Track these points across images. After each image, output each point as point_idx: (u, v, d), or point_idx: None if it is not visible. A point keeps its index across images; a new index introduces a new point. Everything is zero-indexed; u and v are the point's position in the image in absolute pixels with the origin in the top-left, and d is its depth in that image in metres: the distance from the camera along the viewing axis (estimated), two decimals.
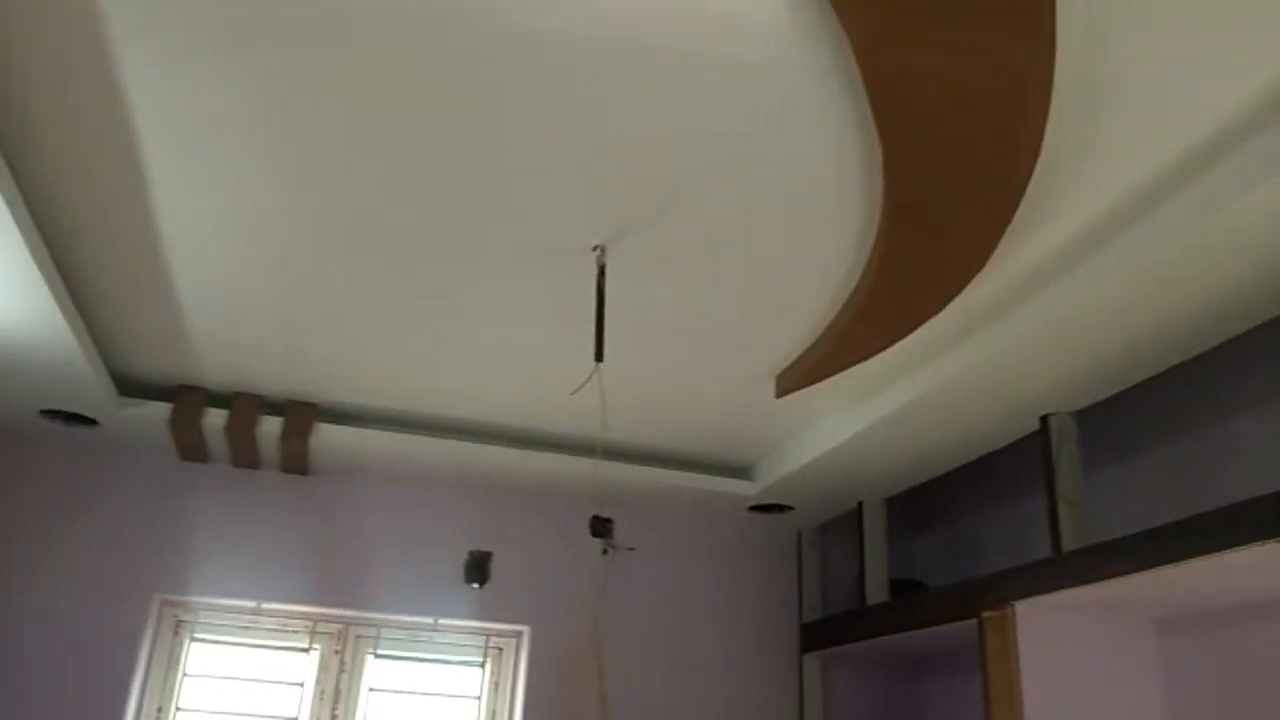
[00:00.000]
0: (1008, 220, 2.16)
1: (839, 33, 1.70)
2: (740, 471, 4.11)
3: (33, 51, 1.87)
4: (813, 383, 3.08)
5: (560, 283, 2.66)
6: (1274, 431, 2.72)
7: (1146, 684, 3.06)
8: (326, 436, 3.63)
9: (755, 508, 4.20)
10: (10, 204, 2.16)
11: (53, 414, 3.49)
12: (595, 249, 2.50)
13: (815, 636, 4.23)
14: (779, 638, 4.35)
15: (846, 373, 3.03)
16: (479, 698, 4.02)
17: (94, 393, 3.25)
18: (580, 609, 4.08)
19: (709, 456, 4.01)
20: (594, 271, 2.57)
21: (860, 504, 4.00)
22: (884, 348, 2.82)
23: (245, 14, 1.77)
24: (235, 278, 2.73)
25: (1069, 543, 2.85)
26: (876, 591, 3.83)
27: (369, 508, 4.02)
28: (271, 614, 3.90)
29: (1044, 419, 3.03)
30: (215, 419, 3.53)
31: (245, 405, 3.56)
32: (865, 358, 2.89)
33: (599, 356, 2.53)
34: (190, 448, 3.73)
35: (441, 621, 3.99)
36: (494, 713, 4.01)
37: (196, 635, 3.84)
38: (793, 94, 1.89)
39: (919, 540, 4.48)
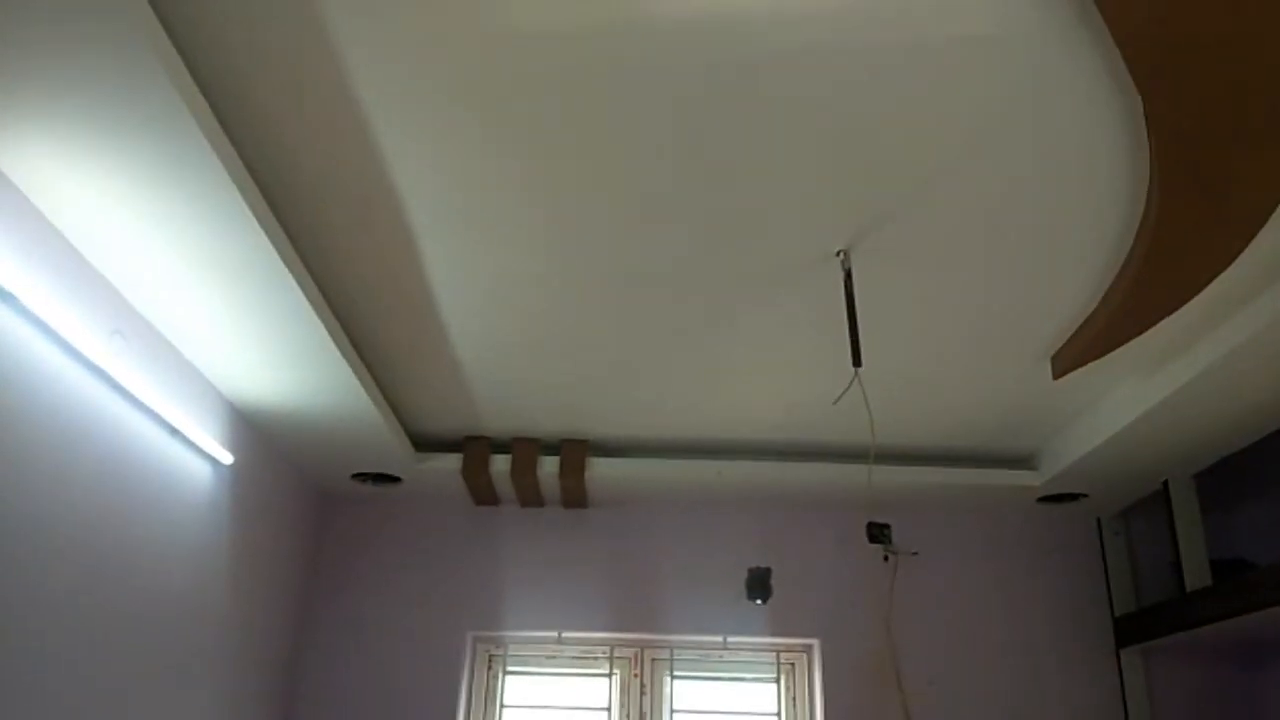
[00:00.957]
0: None
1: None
2: (1023, 461, 3.89)
3: (299, 134, 2.10)
4: (1093, 359, 2.86)
5: (809, 293, 2.64)
6: None
7: None
8: (600, 470, 3.78)
9: (1044, 498, 3.94)
10: (309, 295, 2.43)
11: (362, 476, 3.87)
12: (839, 254, 2.47)
13: (1131, 630, 3.90)
14: (1089, 634, 4.04)
15: (1131, 344, 2.79)
16: (778, 714, 4.02)
17: (396, 453, 3.58)
18: (869, 618, 3.99)
19: (987, 449, 3.82)
20: (841, 277, 2.53)
21: (1165, 483, 3.66)
22: (1170, 312, 2.58)
23: (497, 80, 1.90)
24: (504, 332, 2.92)
25: None
26: (1196, 576, 3.49)
27: (649, 534, 4.15)
28: (572, 642, 4.10)
29: None
30: (500, 464, 3.78)
31: (525, 449, 3.79)
32: (1150, 325, 2.66)
33: (857, 362, 2.49)
34: (482, 493, 4.01)
35: (731, 639, 4.04)
36: None
37: (509, 668, 4.10)
38: (1039, 61, 1.79)
39: (1239, 514, 4.03)
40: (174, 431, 2.73)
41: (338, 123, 2.00)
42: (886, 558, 4.07)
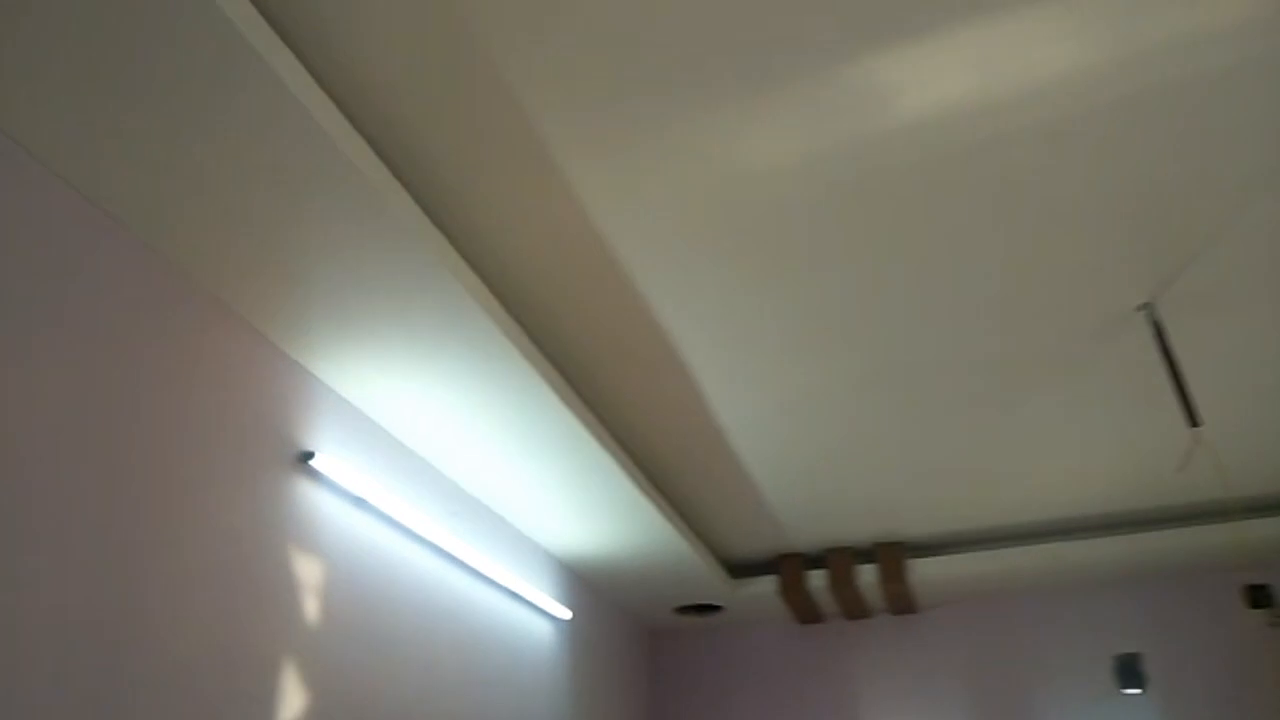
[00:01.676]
0: None
1: None
2: None
3: (585, 317, 2.25)
4: None
5: (1114, 354, 2.45)
6: None
7: None
8: (923, 571, 3.63)
9: None
10: (614, 456, 2.56)
11: (685, 609, 3.94)
12: (1141, 308, 2.28)
13: None
14: None
15: None
16: None
17: (714, 583, 3.62)
18: (1269, 697, 3.48)
19: None
20: (1149, 332, 2.34)
21: None
22: None
23: (747, 216, 1.97)
24: (795, 446, 2.92)
25: None
26: None
27: (990, 630, 3.89)
28: None
29: None
30: (818, 579, 3.72)
31: (839, 560, 3.71)
32: None
33: (1194, 421, 2.26)
34: (804, 611, 3.95)
35: None
36: None
37: None
38: None
39: None
40: (517, 597, 2.93)
41: (617, 299, 2.14)
42: (1273, 624, 3.56)
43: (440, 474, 2.61)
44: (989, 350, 2.43)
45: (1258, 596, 3.61)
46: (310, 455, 2.09)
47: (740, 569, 3.88)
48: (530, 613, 3.04)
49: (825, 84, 1.65)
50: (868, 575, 3.67)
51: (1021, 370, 2.53)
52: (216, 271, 1.79)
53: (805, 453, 2.96)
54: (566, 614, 3.22)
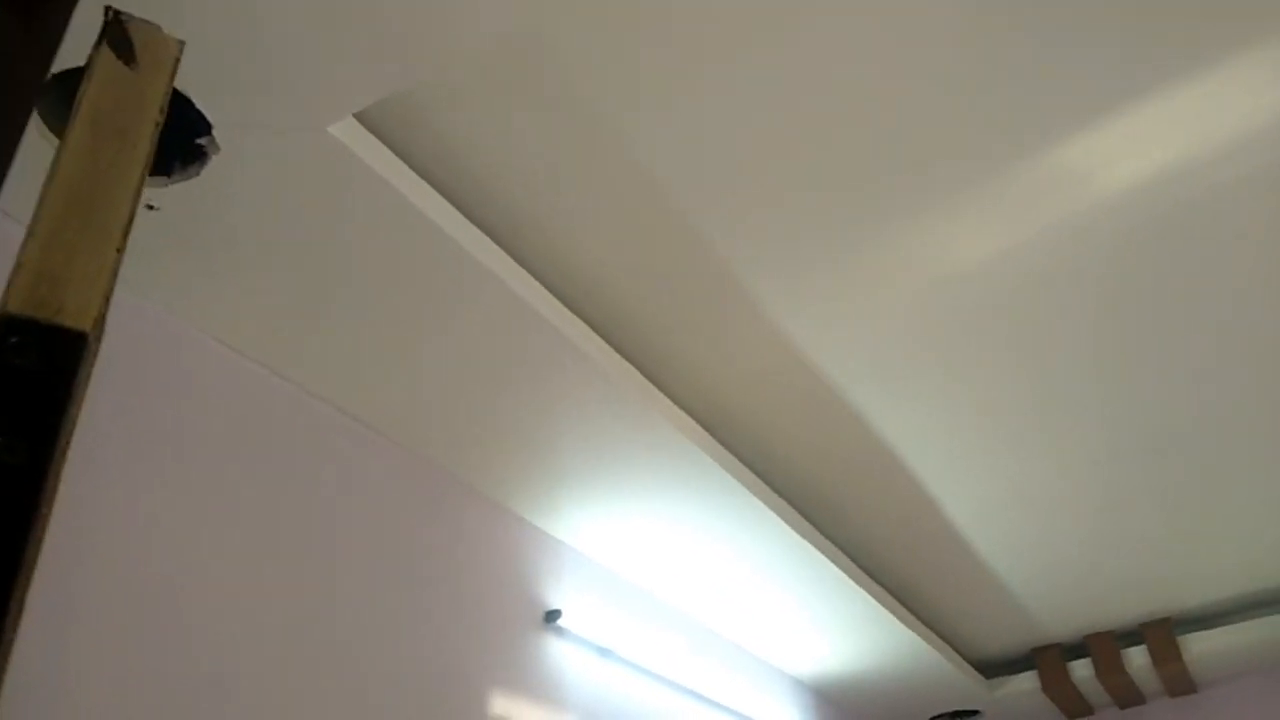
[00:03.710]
0: None
1: None
2: None
3: (799, 430, 2.29)
4: None
5: None
6: None
7: None
8: (1199, 647, 3.34)
9: None
10: (848, 572, 2.55)
11: (940, 717, 3.76)
12: None
13: None
14: None
15: None
16: None
17: (968, 686, 3.46)
18: None
19: None
20: None
21: None
22: None
23: (948, 318, 1.98)
24: (1035, 533, 2.80)
25: None
26: None
27: None
28: None
29: None
30: (1081, 669, 3.49)
31: (1103, 645, 3.47)
32: None
33: None
34: (1072, 705, 3.69)
35: None
36: None
37: None
38: None
39: None
40: None
41: (832, 416, 2.18)
42: None
43: (680, 613, 2.65)
44: (1242, 402, 2.29)
45: None
46: (557, 614, 2.19)
47: (994, 668, 3.69)
48: None
49: (1023, 172, 1.66)
50: (1137, 658, 3.42)
51: (1251, 426, 2.37)
52: (467, 461, 1.95)
53: (1048, 538, 2.83)
54: None
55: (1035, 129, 1.57)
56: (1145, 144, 1.61)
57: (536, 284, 1.62)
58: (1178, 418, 2.33)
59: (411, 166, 1.49)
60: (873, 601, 2.67)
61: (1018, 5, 1.38)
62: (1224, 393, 2.25)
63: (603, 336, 1.90)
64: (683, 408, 2.11)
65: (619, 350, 1.94)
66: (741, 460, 2.30)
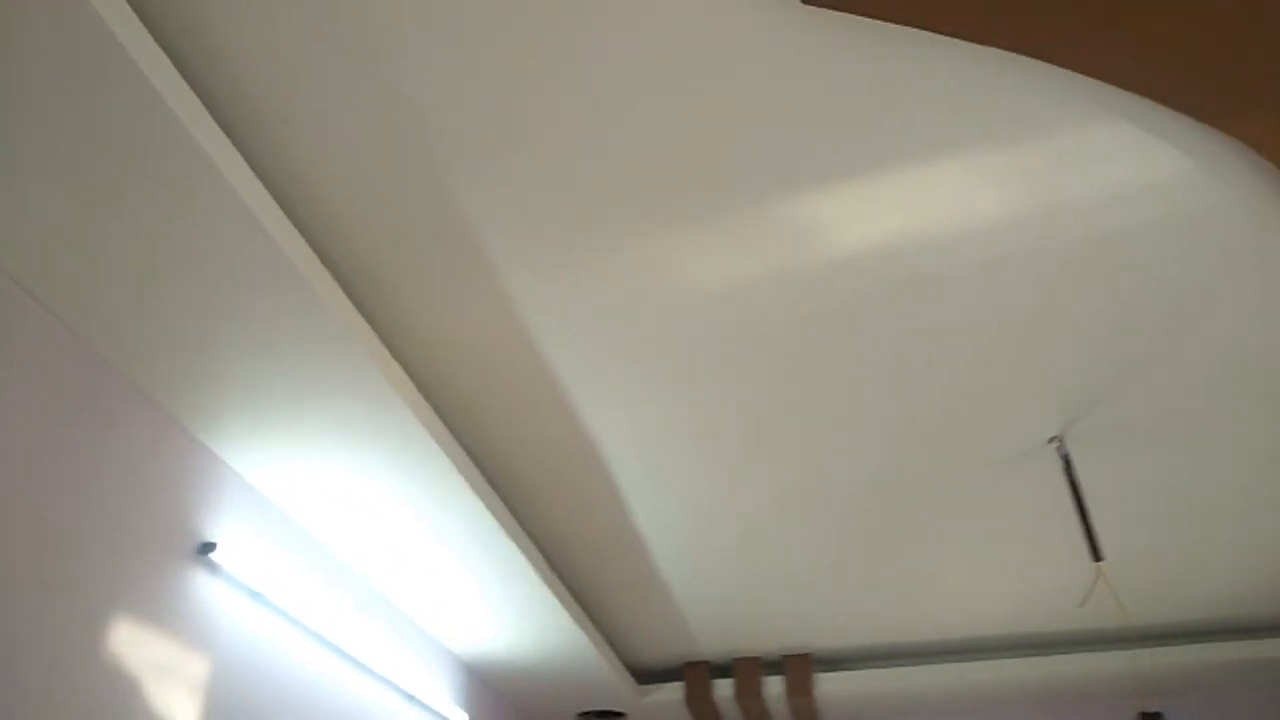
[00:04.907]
0: None
1: (1261, 159, 1.54)
2: None
3: (509, 409, 2.23)
4: None
5: (1026, 483, 2.52)
6: None
7: None
8: (830, 686, 3.61)
9: None
10: (525, 552, 2.50)
11: (589, 715, 3.83)
12: (1052, 441, 2.36)
13: None
14: None
15: None
16: None
17: (619, 688, 3.54)
18: None
19: (1266, 618, 3.41)
20: (1059, 465, 2.41)
21: None
22: None
23: (678, 337, 1.99)
24: (713, 556, 2.90)
25: None
26: None
27: None
28: None
29: None
30: (724, 689, 3.67)
31: (747, 669, 3.67)
32: None
33: (1097, 556, 2.32)
34: (708, 719, 3.88)
35: None
36: None
37: None
38: (1235, 238, 1.72)
39: None
40: (415, 700, 2.81)
41: (547, 403, 2.13)
42: None
43: (348, 569, 2.51)
44: (906, 474, 2.48)
45: None
46: (211, 547, 2.00)
47: (648, 675, 3.80)
48: (428, 715, 2.91)
49: (764, 217, 1.69)
50: (774, 686, 3.64)
51: (936, 494, 2.58)
52: (131, 353, 1.71)
53: (721, 562, 2.95)
54: (464, 717, 3.10)
55: (789, 177, 1.60)
56: (875, 217, 1.69)
57: (258, 182, 1.44)
58: (850, 476, 2.48)
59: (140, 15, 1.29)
60: (547, 592, 2.65)
61: (799, 51, 1.40)
62: (892, 464, 2.42)
63: (324, 261, 1.75)
64: (397, 358, 1.99)
65: (339, 279, 1.79)
66: (447, 425, 2.20)
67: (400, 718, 2.75)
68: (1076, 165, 1.60)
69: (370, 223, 1.68)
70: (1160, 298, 1.89)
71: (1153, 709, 3.66)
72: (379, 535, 2.34)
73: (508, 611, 2.80)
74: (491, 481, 2.44)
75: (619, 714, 3.84)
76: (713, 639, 3.55)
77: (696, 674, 3.71)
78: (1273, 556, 2.97)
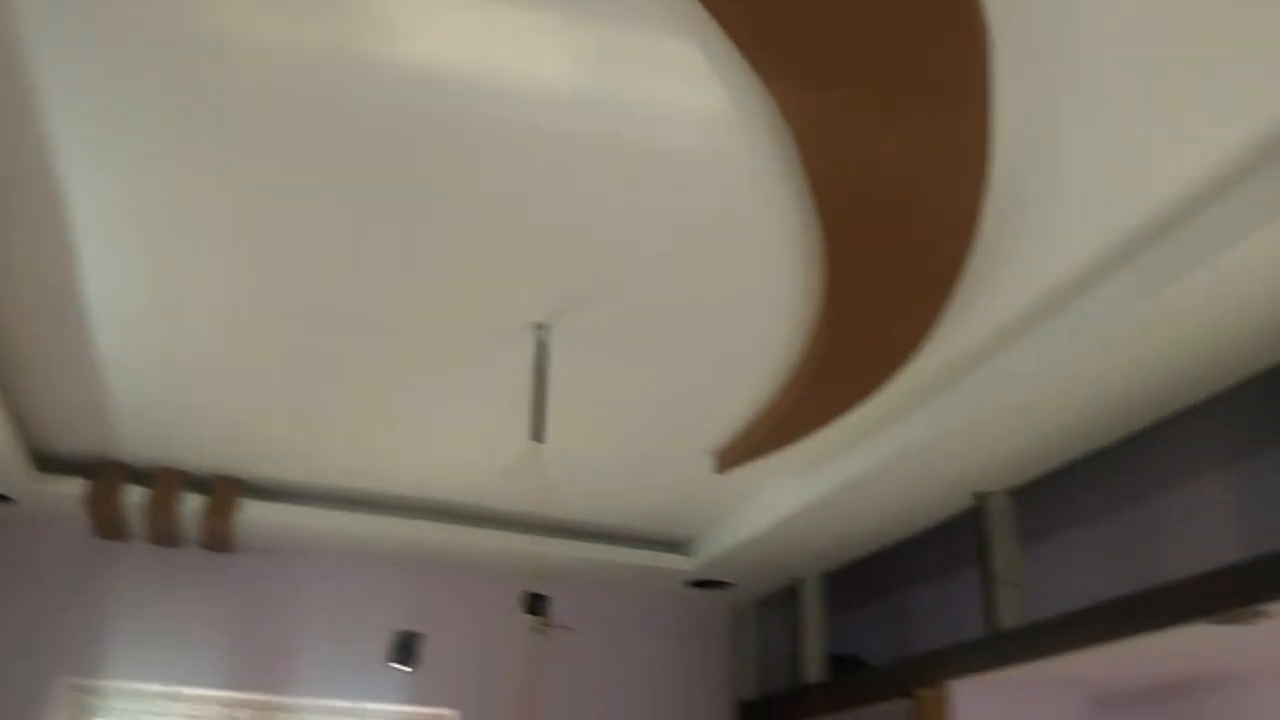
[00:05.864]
0: (945, 303, 2.21)
1: (783, 127, 1.73)
2: (679, 547, 4.08)
3: None
4: (753, 459, 3.08)
5: (500, 360, 2.63)
6: (1209, 509, 2.78)
7: None
8: (253, 514, 3.51)
9: (694, 583, 4.15)
10: None
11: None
12: (536, 327, 2.49)
13: (752, 716, 4.17)
14: (715, 717, 4.27)
15: (787, 450, 3.03)
16: None
17: (9, 469, 3.11)
18: (514, 691, 3.97)
19: (648, 532, 3.97)
20: (533, 350, 2.55)
21: (798, 579, 3.99)
22: (823, 426, 2.84)
23: (189, 87, 1.74)
24: (163, 348, 2.65)
25: (1005, 621, 2.87)
26: (813, 669, 3.80)
27: (295, 587, 3.88)
28: (188, 699, 3.71)
29: (978, 497, 3.06)
30: (136, 495, 3.39)
31: (168, 481, 3.43)
32: (804, 436, 2.91)
33: (538, 437, 2.50)
34: (107, 525, 3.57)
35: (366, 706, 3.84)
36: None
37: None
38: (742, 185, 1.92)
39: (856, 614, 4.46)
40: None
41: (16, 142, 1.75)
42: (541, 631, 4.08)
43: None
44: (389, 321, 2.46)
45: (535, 605, 4.09)
46: None
47: (53, 463, 3.37)
48: None
49: None
50: (193, 504, 3.45)
51: (413, 349, 2.60)
52: None
53: (171, 357, 2.69)
54: None
55: None
56: (433, 35, 1.63)
57: None
58: (336, 306, 2.40)
59: None
60: None
61: None
62: (377, 306, 2.39)
63: None
64: None
65: None
66: None
67: None
68: (639, 66, 1.67)
69: None
70: (660, 220, 2.06)
71: (540, 592, 4.09)
72: None
73: None
74: None
75: (5, 498, 3.37)
76: (141, 441, 3.25)
77: (109, 472, 3.38)
78: (685, 487, 3.46)
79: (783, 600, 4.23)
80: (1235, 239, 1.87)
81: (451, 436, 3.12)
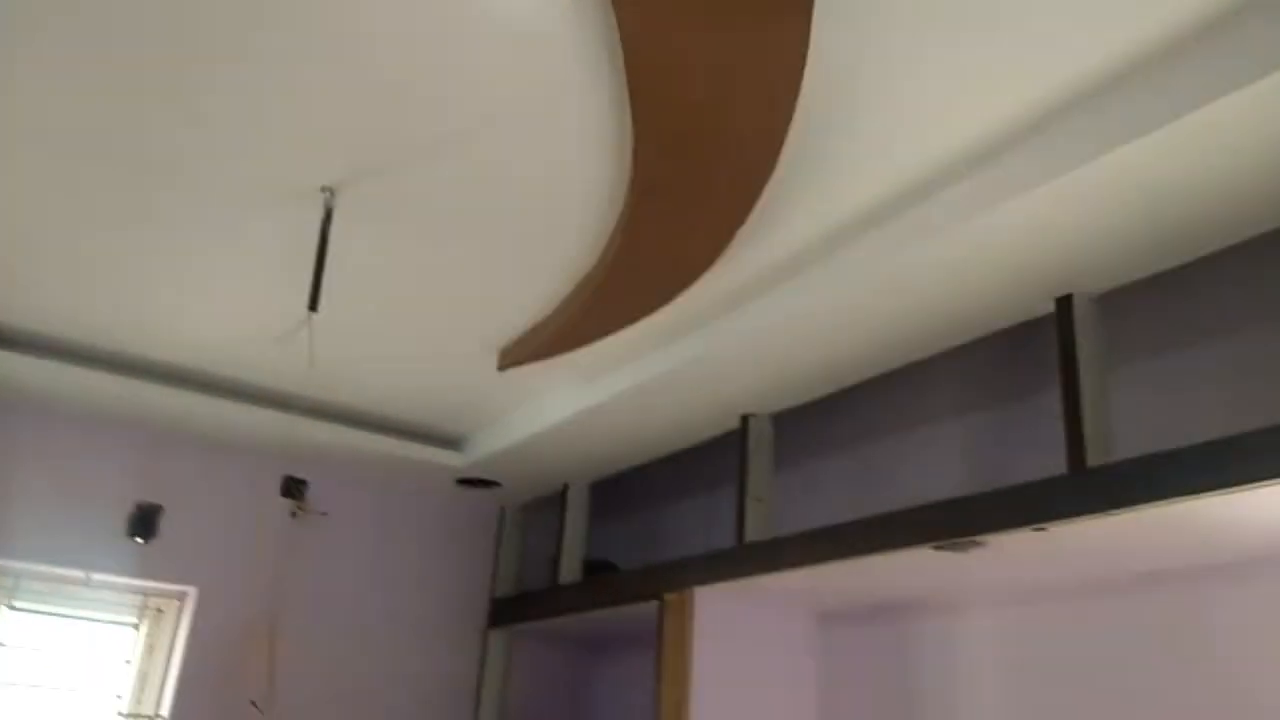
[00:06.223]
0: (739, 223, 2.26)
1: (608, 10, 1.69)
2: (451, 443, 4.03)
3: None
4: (536, 360, 3.07)
5: (282, 220, 2.47)
6: (940, 449, 3.04)
7: (805, 667, 3.34)
8: None
9: (462, 481, 4.14)
10: None
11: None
12: (324, 190, 2.35)
13: (505, 612, 4.24)
14: (469, 612, 4.32)
15: (568, 355, 3.05)
16: (130, 660, 3.67)
17: None
18: (259, 573, 3.83)
19: (420, 424, 3.90)
20: (320, 215, 2.41)
21: (566, 485, 4.06)
22: (609, 334, 2.87)
23: None
24: None
25: (751, 535, 3.04)
26: (570, 571, 3.90)
27: (23, 445, 3.54)
28: None
29: (744, 419, 3.21)
30: None
31: None
32: (590, 342, 2.93)
33: (313, 306, 2.38)
34: None
35: (96, 576, 3.60)
36: (145, 676, 3.67)
37: None
38: (561, 67, 1.87)
39: (618, 523, 4.61)
40: None
41: None
42: (295, 514, 3.96)
43: None
44: (175, 165, 2.25)
45: (291, 488, 3.98)
46: None
47: None
48: None
49: None
50: None
51: (193, 200, 2.39)
52: None
53: None
54: None
55: None
56: None
57: None
58: (142, 150, 2.18)
59: None
60: None
61: None
62: (195, 151, 2.18)
63: None
64: None
65: None
66: None
67: None
68: None
69: None
70: (470, 93, 1.97)
71: (299, 476, 3.96)
72: None
73: None
74: None
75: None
76: None
77: None
78: (464, 381, 3.41)
79: (547, 504, 4.29)
80: (1006, 197, 2.01)
81: (227, 300, 2.90)
